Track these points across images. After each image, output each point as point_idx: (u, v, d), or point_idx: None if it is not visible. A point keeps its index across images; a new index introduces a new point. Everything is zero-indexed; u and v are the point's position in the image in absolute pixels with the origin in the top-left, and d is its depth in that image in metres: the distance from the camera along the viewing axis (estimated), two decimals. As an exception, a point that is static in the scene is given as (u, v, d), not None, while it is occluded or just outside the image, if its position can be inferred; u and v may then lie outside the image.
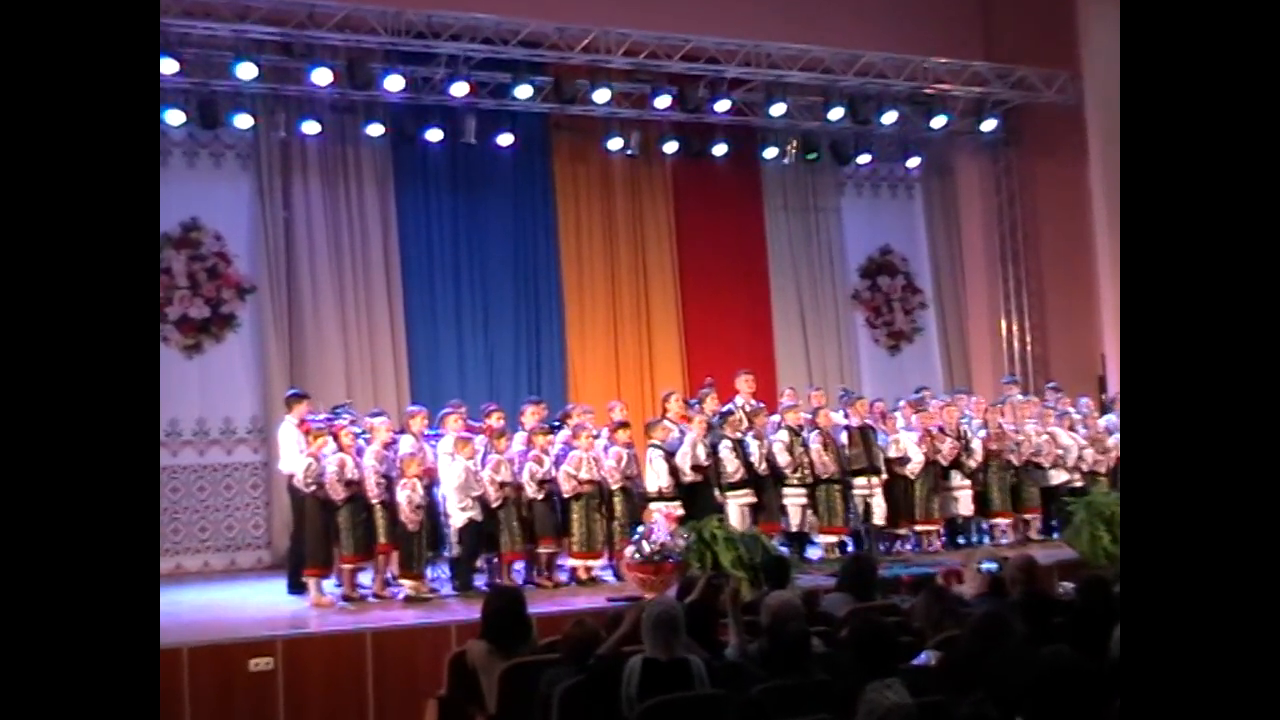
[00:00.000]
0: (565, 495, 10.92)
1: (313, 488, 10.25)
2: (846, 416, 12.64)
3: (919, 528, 12.72)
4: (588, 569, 10.97)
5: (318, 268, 14.09)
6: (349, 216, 14.32)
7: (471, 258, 14.95)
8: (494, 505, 10.60)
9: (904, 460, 12.63)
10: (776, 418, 12.43)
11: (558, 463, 11.00)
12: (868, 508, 12.32)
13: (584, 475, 10.93)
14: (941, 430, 12.87)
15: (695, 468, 11.46)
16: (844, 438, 12.37)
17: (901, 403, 13.39)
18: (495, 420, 11.19)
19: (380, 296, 14.37)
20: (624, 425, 11.53)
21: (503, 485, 10.64)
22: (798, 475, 11.99)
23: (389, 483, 10.42)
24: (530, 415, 11.49)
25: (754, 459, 11.85)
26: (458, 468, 10.47)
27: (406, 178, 14.75)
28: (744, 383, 12.79)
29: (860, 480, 12.29)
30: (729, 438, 11.79)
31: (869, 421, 12.65)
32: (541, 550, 10.99)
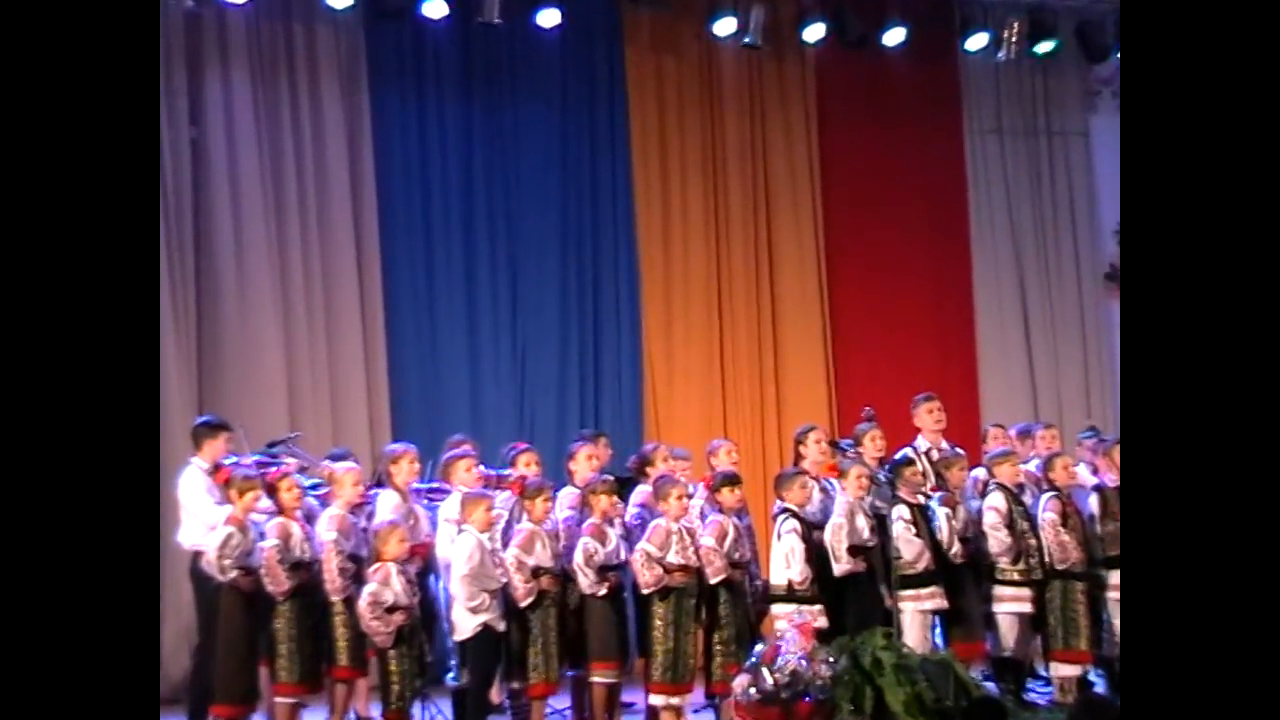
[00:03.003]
0: (645, 590, 10.93)
1: (233, 574, 10.24)
2: (1097, 473, 12.54)
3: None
4: (674, 709, 10.99)
5: (244, 218, 14.11)
6: (296, 136, 14.40)
7: (492, 204, 15.07)
8: (522, 605, 10.63)
9: None
10: (981, 472, 12.42)
11: (629, 538, 11.04)
12: (1128, 619, 12.10)
13: (674, 559, 10.88)
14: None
15: (854, 550, 11.41)
16: (1094, 504, 12.23)
17: None
18: (526, 467, 11.29)
19: (345, 265, 14.46)
20: (732, 480, 11.49)
21: (537, 572, 10.64)
22: (1020, 566, 11.86)
23: (358, 567, 10.43)
24: (584, 460, 11.52)
25: (943, 537, 11.74)
26: (467, 544, 10.45)
27: (388, 77, 14.86)
28: (928, 414, 12.73)
29: (1117, 576, 12.01)
30: (906, 502, 11.72)
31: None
32: (596, 679, 11.00)
